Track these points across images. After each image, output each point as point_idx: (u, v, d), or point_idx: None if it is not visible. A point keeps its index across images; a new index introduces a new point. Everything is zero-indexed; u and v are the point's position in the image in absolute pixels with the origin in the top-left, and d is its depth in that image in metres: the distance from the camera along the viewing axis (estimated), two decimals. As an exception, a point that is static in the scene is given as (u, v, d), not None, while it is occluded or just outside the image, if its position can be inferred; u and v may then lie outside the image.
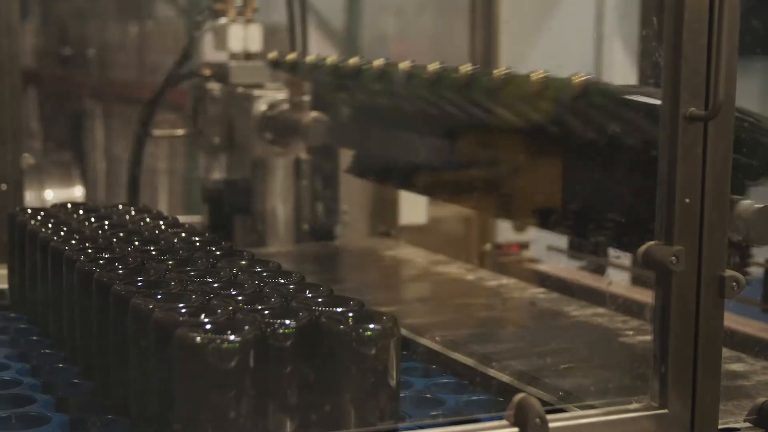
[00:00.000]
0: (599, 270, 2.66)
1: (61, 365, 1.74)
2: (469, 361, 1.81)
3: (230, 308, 1.39)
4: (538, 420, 1.35)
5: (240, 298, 1.46)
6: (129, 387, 1.46)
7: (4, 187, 2.97)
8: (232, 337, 1.28)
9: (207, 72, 3.08)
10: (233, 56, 3.00)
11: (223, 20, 3.02)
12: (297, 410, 1.37)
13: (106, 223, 1.97)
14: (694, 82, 1.39)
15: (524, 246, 3.09)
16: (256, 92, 2.92)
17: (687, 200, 1.40)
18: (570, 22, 3.88)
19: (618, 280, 2.50)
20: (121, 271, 1.59)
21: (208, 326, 1.31)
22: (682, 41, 1.38)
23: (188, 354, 1.28)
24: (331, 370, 1.36)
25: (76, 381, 1.67)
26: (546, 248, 2.87)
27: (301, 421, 1.37)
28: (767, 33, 1.98)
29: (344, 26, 5.63)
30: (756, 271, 2.39)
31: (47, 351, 1.81)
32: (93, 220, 2.00)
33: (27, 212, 2.04)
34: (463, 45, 3.47)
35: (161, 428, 1.36)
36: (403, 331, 1.69)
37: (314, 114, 2.72)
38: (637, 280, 2.53)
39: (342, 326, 1.36)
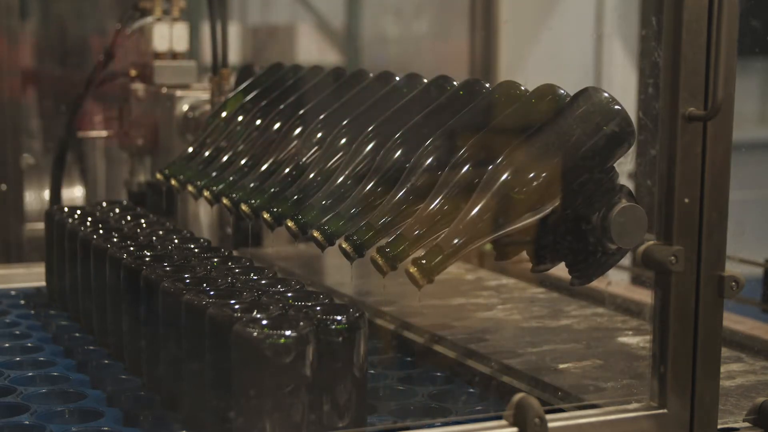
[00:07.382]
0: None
1: (106, 361, 1.76)
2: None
3: (281, 305, 1.42)
4: (537, 420, 1.35)
5: (289, 294, 1.49)
6: (180, 381, 1.48)
7: (4, 187, 2.98)
8: (288, 333, 1.32)
9: (133, 72, 2.95)
10: (158, 56, 2.87)
11: (148, 19, 2.90)
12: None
13: (143, 221, 1.98)
14: (694, 81, 1.39)
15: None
16: (179, 93, 2.77)
17: (686, 200, 1.40)
18: (570, 22, 3.88)
19: (617, 280, 2.50)
20: (168, 269, 1.61)
21: (264, 322, 1.34)
22: (682, 41, 1.38)
23: (245, 349, 1.31)
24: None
25: (123, 377, 1.69)
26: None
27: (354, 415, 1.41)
28: (767, 33, 1.98)
29: (344, 26, 5.63)
30: (755, 271, 2.39)
31: (91, 347, 1.82)
32: (129, 218, 2.02)
33: (64, 211, 2.06)
34: (463, 45, 3.47)
35: (215, 421, 1.38)
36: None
37: None
38: (636, 280, 2.52)
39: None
